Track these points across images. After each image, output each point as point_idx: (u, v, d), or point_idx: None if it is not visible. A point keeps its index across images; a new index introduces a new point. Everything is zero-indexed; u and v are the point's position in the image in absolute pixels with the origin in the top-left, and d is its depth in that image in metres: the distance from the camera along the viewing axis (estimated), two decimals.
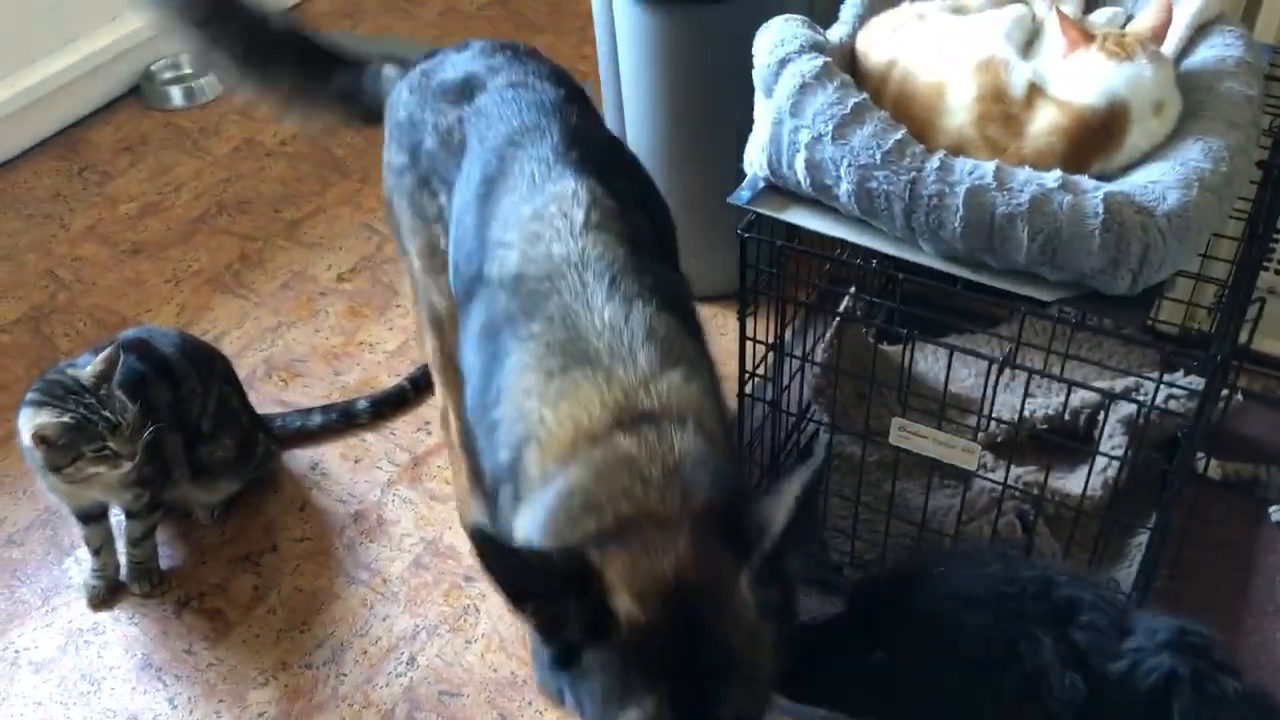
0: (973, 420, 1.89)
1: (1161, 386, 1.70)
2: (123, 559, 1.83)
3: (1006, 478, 1.51)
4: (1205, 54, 1.40)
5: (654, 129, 2.10)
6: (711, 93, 1.98)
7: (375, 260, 2.45)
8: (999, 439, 1.86)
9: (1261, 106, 1.38)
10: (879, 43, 1.45)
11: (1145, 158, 1.30)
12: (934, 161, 1.27)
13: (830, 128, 1.31)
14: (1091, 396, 1.83)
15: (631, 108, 2.13)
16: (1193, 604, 1.68)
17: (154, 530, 1.82)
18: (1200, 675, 1.02)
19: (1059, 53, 1.36)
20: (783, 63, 1.36)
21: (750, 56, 1.42)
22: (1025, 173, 1.25)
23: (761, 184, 1.45)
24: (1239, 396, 1.85)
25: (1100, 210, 1.20)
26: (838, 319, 1.84)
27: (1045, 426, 1.84)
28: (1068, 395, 1.84)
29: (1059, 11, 1.38)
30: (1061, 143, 1.29)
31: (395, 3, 3.35)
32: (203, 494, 1.89)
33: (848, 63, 1.48)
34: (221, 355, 1.93)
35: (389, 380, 2.15)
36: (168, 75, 3.03)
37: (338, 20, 3.28)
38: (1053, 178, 1.23)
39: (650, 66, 2.02)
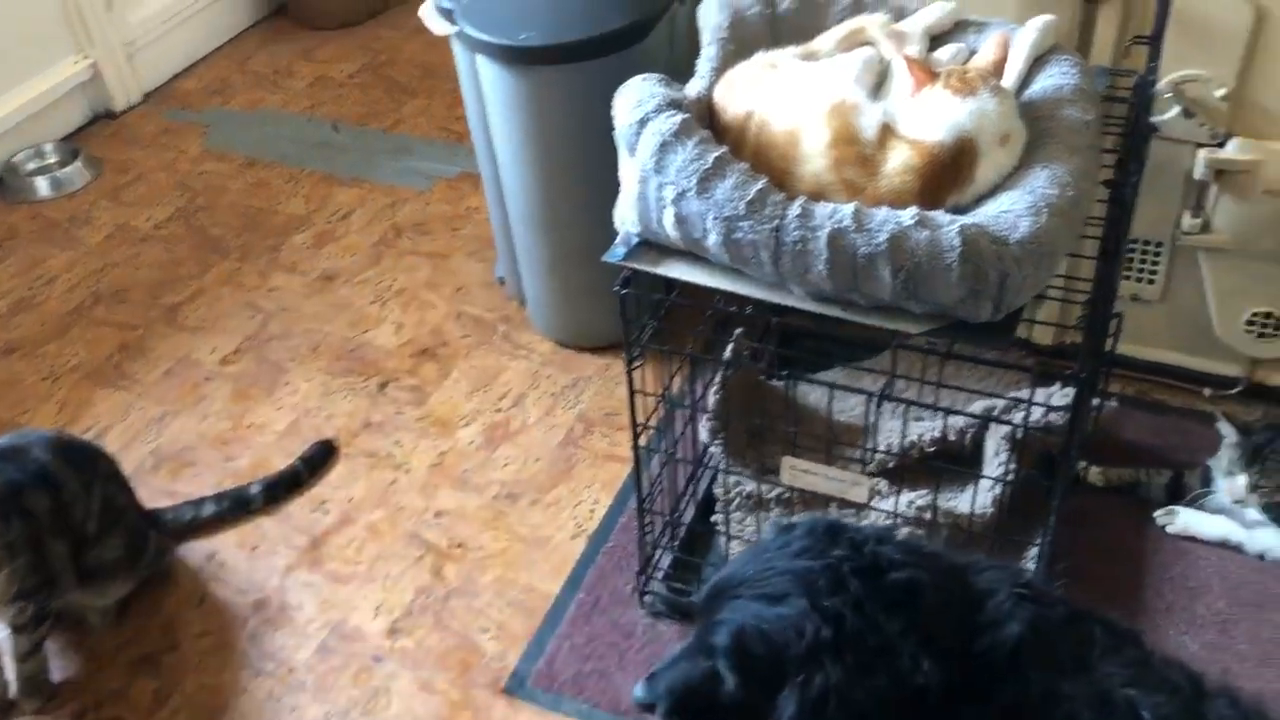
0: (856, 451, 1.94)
1: (1039, 401, 1.76)
2: (11, 675, 1.75)
3: (896, 506, 1.54)
4: (1044, 83, 1.46)
5: (530, 188, 2.12)
6: (584, 150, 2.00)
7: (259, 339, 2.41)
8: (890, 465, 1.90)
9: (1100, 129, 1.44)
10: (735, 95, 1.49)
11: (996, 188, 1.35)
12: (795, 209, 1.30)
13: (694, 183, 1.33)
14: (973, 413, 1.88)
15: (506, 169, 2.14)
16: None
17: (43, 642, 1.75)
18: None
19: (907, 92, 1.41)
20: (643, 122, 1.38)
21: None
22: (883, 212, 1.28)
23: (635, 240, 1.47)
24: (1113, 403, 1.92)
25: (957, 243, 1.24)
26: (724, 365, 1.87)
27: (933, 449, 1.88)
28: (945, 419, 1.89)
29: (905, 55, 1.43)
30: (916, 180, 1.33)
31: (264, 76, 3.33)
32: (94, 598, 1.82)
33: (706, 116, 1.51)
34: (104, 453, 1.87)
35: (282, 461, 2.10)
36: (31, 166, 2.95)
37: (208, 98, 3.24)
38: (909, 215, 1.27)
39: (519, 127, 2.03)
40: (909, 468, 1.88)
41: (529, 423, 2.19)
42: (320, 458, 2.10)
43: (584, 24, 1.93)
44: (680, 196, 1.34)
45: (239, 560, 1.96)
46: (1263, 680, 1.61)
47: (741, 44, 1.59)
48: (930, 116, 1.36)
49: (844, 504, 1.80)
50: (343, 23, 3.51)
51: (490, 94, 2.05)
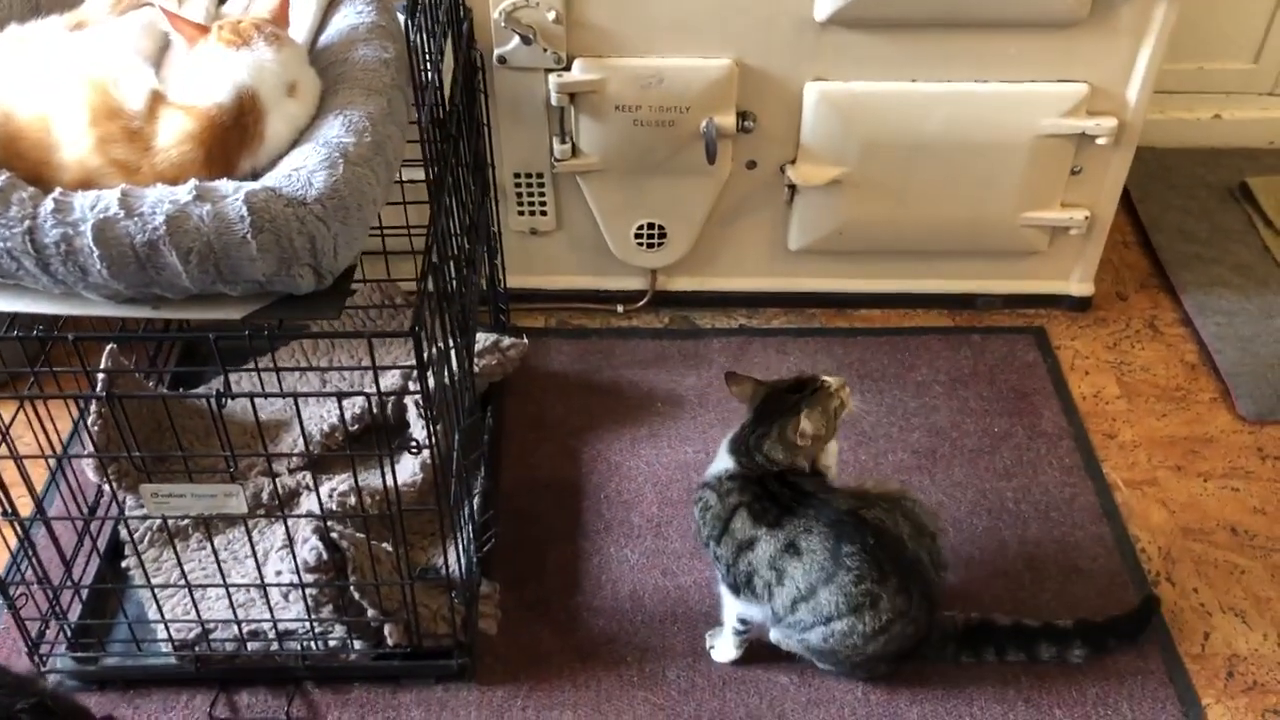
0: (284, 447, 1.79)
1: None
2: None
3: (284, 510, 1.41)
4: (340, 25, 1.36)
5: None
6: None
7: None
8: (317, 454, 1.76)
9: (403, 64, 1.36)
10: None
11: (295, 145, 1.23)
12: (48, 204, 1.10)
13: None
14: (394, 382, 1.79)
15: None
16: (533, 548, 1.72)
17: None
18: None
19: (183, 52, 1.25)
20: None
21: None
22: (156, 191, 1.12)
23: None
24: (523, 340, 1.91)
25: (245, 213, 1.10)
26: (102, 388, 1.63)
27: (357, 427, 1.77)
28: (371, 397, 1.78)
29: (163, 9, 1.26)
30: (197, 149, 1.18)
31: None
32: None
33: None
34: None
35: None
36: None
37: None
38: (187, 190, 1.11)
39: None
40: (335, 453, 1.76)
41: None
42: None
43: None
44: None
45: None
46: (695, 572, 1.68)
47: None
48: (205, 75, 1.21)
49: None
50: None
51: None
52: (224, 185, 1.13)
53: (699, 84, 1.83)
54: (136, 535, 1.66)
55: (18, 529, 1.44)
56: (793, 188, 1.96)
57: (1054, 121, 1.85)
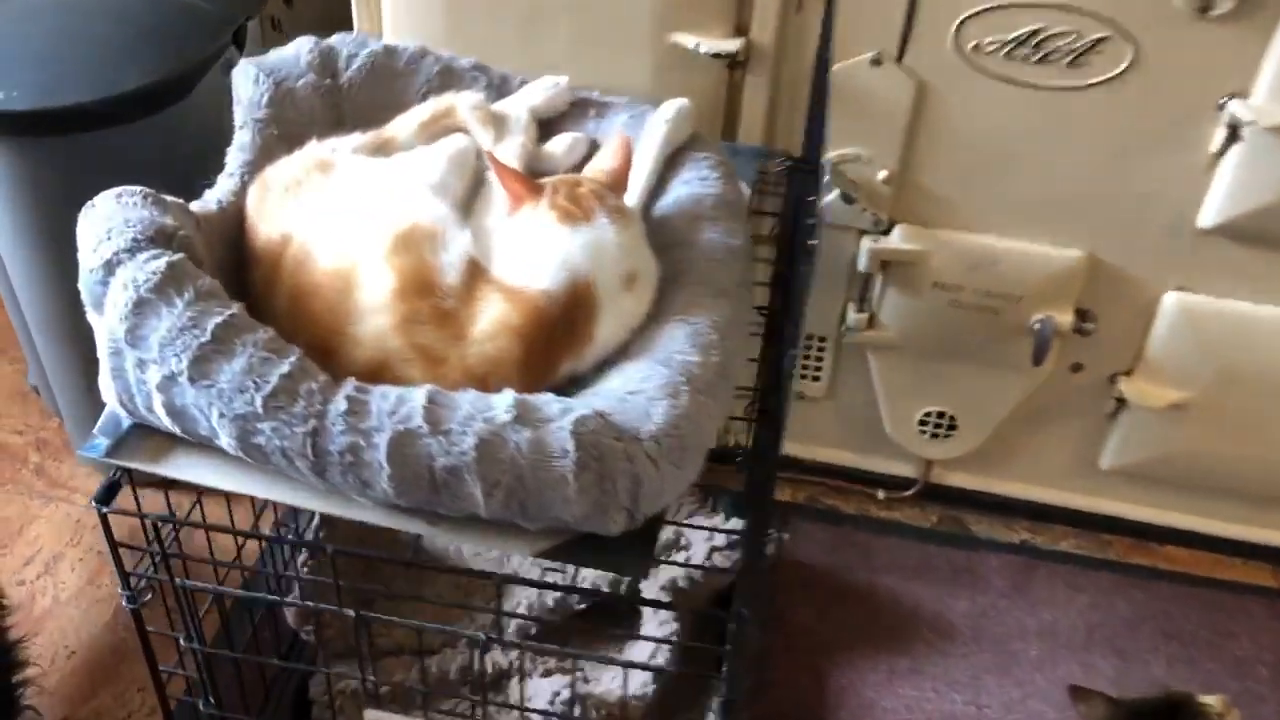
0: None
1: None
2: None
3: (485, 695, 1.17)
4: (680, 192, 1.13)
5: (45, 290, 1.60)
6: None
7: None
8: (533, 631, 1.54)
9: (751, 253, 1.13)
10: (269, 207, 1.06)
11: (624, 346, 1.01)
12: (339, 403, 0.89)
13: (185, 363, 0.89)
14: None
15: (11, 263, 1.60)
16: None
17: None
18: None
19: (504, 210, 1.04)
20: (110, 266, 0.93)
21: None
22: (466, 404, 0.90)
23: (128, 424, 1.01)
24: (785, 535, 1.65)
25: (570, 447, 0.88)
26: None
27: (584, 606, 1.55)
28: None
29: (492, 158, 1.05)
30: (515, 344, 0.96)
31: None
32: None
33: (233, 234, 1.07)
34: None
35: None
36: None
37: None
38: (505, 407, 0.89)
39: (15, 214, 1.50)
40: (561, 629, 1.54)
41: (64, 597, 1.65)
42: None
43: (96, 79, 1.42)
44: (169, 381, 0.90)
45: None
46: None
47: (289, 126, 1.17)
48: (532, 251, 0.99)
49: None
50: None
51: None
52: (548, 404, 0.91)
53: (1039, 274, 1.55)
54: (324, 697, 1.47)
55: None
56: (1121, 401, 1.66)
57: None
